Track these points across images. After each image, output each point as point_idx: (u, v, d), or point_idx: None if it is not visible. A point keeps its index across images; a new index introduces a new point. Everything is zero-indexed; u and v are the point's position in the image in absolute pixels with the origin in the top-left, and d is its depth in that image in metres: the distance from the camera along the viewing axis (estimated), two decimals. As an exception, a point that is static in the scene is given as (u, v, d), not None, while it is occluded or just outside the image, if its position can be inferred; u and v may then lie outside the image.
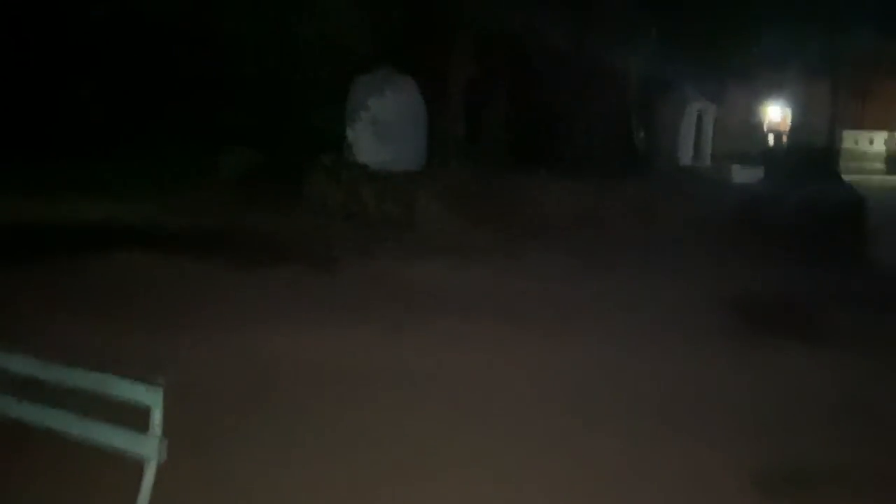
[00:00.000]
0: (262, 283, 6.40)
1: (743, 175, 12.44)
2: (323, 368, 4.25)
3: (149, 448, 2.34)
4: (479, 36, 10.48)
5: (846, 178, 14.96)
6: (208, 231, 8.56)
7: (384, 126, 10.72)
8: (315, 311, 5.57)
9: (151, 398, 2.33)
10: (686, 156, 12.59)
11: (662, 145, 12.45)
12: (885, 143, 17.76)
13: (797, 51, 15.94)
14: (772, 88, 19.82)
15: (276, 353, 4.48)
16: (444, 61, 10.52)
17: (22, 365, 2.66)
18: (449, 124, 10.92)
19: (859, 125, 18.75)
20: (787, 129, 19.57)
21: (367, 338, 4.86)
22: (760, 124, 20.37)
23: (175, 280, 6.25)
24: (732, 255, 8.30)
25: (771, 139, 18.77)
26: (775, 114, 21.60)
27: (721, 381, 4.37)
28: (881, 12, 13.75)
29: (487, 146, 10.95)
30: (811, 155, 16.57)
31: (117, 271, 6.41)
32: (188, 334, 4.66)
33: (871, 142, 17.90)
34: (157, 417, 2.31)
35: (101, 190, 9.94)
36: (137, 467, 2.39)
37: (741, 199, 10.52)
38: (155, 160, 10.56)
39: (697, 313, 5.96)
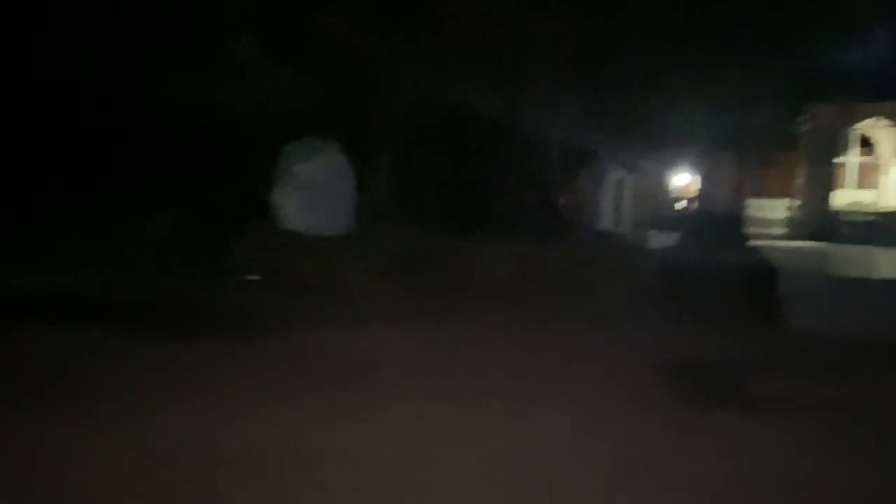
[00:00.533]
0: (182, 358, 6.03)
1: (660, 240, 12.93)
2: (250, 456, 3.97)
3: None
4: (411, 103, 10.65)
5: (754, 243, 15.88)
6: (127, 300, 8.09)
7: (312, 191, 10.64)
8: (242, 390, 5.25)
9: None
10: (607, 222, 13.05)
11: (585, 212, 12.88)
12: (787, 210, 18.91)
13: (705, 123, 17.00)
14: (681, 158, 21.09)
15: (197, 440, 4.16)
16: (374, 127, 10.60)
17: None
18: (378, 189, 10.93)
19: (762, 194, 19.97)
20: (694, 196, 20.76)
21: (298, 424, 4.59)
22: (672, 192, 21.52)
23: (80, 357, 5.81)
24: (659, 321, 8.50)
25: (680, 206, 19.80)
26: (684, 182, 22.93)
27: (670, 455, 4.35)
28: (780, 90, 14.82)
29: (418, 210, 10.98)
30: (720, 221, 17.55)
31: (17, 349, 5.91)
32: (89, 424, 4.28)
33: (773, 209, 19.01)
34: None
35: (11, 257, 9.29)
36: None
37: (660, 265, 10.89)
38: (79, 225, 10.00)
39: (632, 384, 5.98)
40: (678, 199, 20.48)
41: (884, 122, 17.67)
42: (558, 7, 10.77)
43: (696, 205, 19.40)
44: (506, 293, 9.39)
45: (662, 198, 20.16)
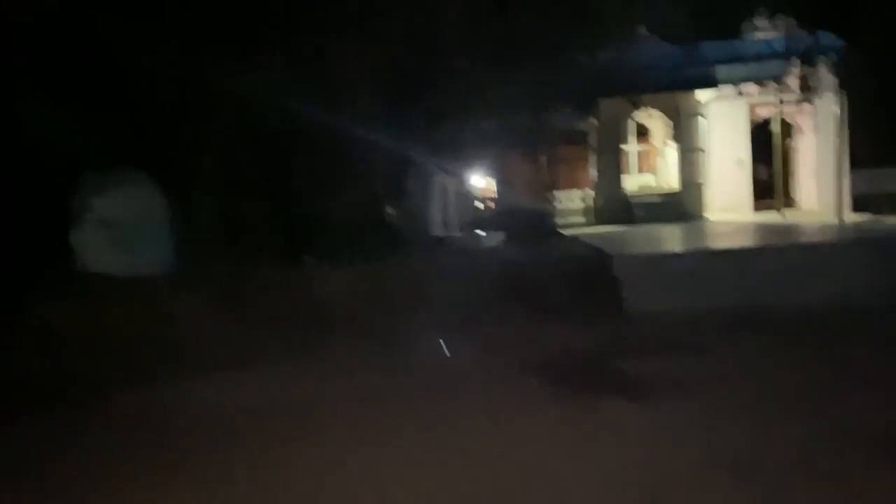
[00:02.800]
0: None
1: (490, 241, 13.27)
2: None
3: None
4: (227, 125, 9.82)
5: (564, 233, 16.98)
6: None
7: (118, 229, 9.42)
8: (80, 467, 4.42)
9: None
10: (438, 228, 13.13)
11: (416, 220, 12.83)
12: (583, 200, 20.43)
13: (504, 124, 17.87)
14: (484, 159, 22.03)
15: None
16: (187, 151, 9.61)
17: None
18: (199, 222, 9.94)
19: (561, 186, 21.44)
20: (500, 195, 21.78)
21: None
22: (479, 193, 22.40)
23: None
24: (512, 320, 8.66)
25: (488, 206, 20.65)
26: (486, 182, 24.00)
27: (569, 446, 4.33)
28: (568, 89, 15.90)
29: (245, 242, 10.16)
30: (532, 217, 18.55)
31: None
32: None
33: (571, 200, 20.47)
34: None
35: None
36: None
37: (499, 264, 11.15)
38: None
39: (511, 382, 5.98)
40: (485, 200, 21.33)
41: (655, 112, 19.78)
42: (368, 17, 10.60)
43: (502, 204, 20.30)
44: (353, 316, 9.00)
45: (475, 200, 20.87)
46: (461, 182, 18.80)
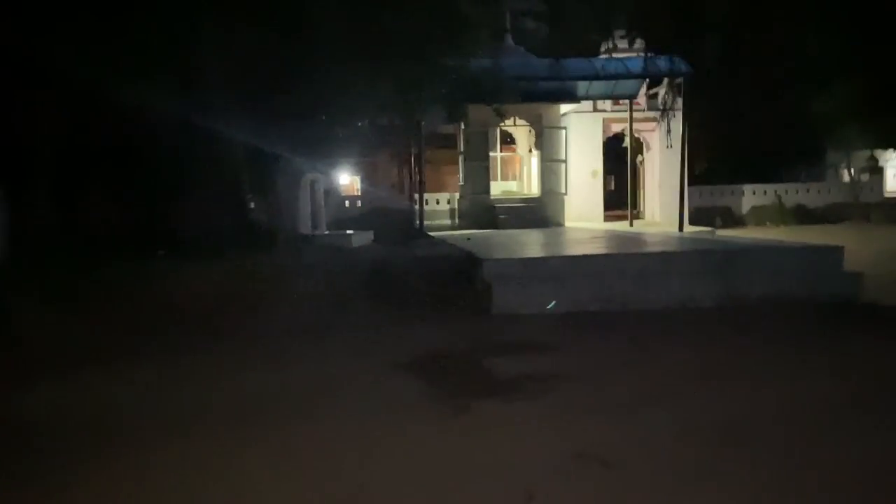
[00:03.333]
0: None
1: (359, 240, 13.12)
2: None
3: None
4: (68, 105, 8.94)
5: (431, 235, 17.19)
6: None
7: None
8: None
9: None
10: (306, 226, 12.78)
11: (283, 217, 12.42)
12: (448, 202, 20.80)
13: (374, 125, 17.79)
14: (356, 159, 21.83)
15: None
16: (25, 143, 8.63)
17: None
18: (34, 212, 8.98)
19: (428, 189, 21.71)
20: (367, 194, 21.72)
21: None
22: (345, 192, 22.18)
23: None
24: (382, 319, 8.60)
25: (355, 204, 20.50)
26: (351, 181, 23.84)
27: (445, 447, 4.34)
28: (438, 95, 16.08)
29: (92, 240, 9.33)
30: (402, 216, 18.64)
31: None
32: None
33: (438, 202, 20.77)
34: None
35: None
36: None
37: (370, 263, 11.06)
38: None
39: (380, 388, 5.91)
40: (350, 199, 21.16)
41: (520, 121, 20.55)
42: (231, 13, 10.11)
43: (370, 203, 20.22)
44: (212, 316, 8.53)
45: (343, 198, 20.61)
46: (329, 180, 18.49)
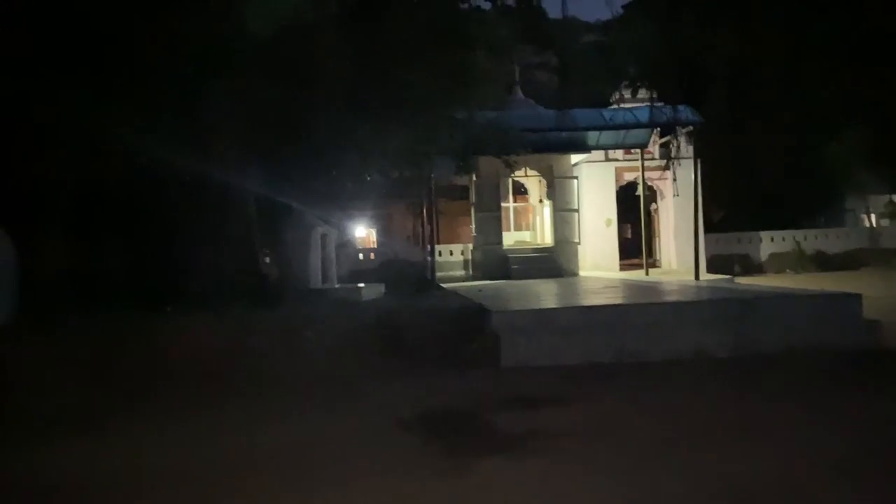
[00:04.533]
0: None
1: (370, 293, 13.07)
2: None
3: None
4: (78, 159, 9.12)
5: (443, 286, 17.11)
6: None
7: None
8: None
9: None
10: (316, 279, 12.79)
11: (293, 271, 12.45)
12: (462, 253, 20.78)
13: (385, 179, 17.98)
14: (363, 211, 22.02)
15: None
16: (34, 189, 8.80)
17: None
18: (46, 267, 9.08)
19: (441, 240, 21.77)
20: (379, 247, 21.81)
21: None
22: (358, 245, 22.30)
23: None
24: (390, 375, 8.47)
25: (368, 257, 20.57)
26: (365, 234, 23.97)
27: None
28: (448, 147, 16.24)
29: (102, 290, 9.39)
30: (411, 269, 18.62)
31: None
32: None
33: (451, 253, 20.76)
34: None
35: None
36: None
37: (379, 317, 10.97)
38: None
39: (385, 445, 5.77)
40: (364, 251, 21.23)
41: (532, 171, 20.66)
42: (246, 70, 10.37)
43: (383, 255, 20.27)
44: (222, 371, 8.47)
45: (355, 250, 20.70)
46: (342, 233, 18.61)
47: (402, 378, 8.33)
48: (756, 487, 4.40)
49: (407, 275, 17.78)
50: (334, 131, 12.19)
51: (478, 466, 5.01)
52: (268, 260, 12.06)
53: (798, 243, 24.05)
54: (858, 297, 9.78)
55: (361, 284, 13.82)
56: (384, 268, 18.93)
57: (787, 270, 22.98)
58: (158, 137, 9.14)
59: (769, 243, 24.27)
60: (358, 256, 20.03)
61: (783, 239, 24.28)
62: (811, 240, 24.50)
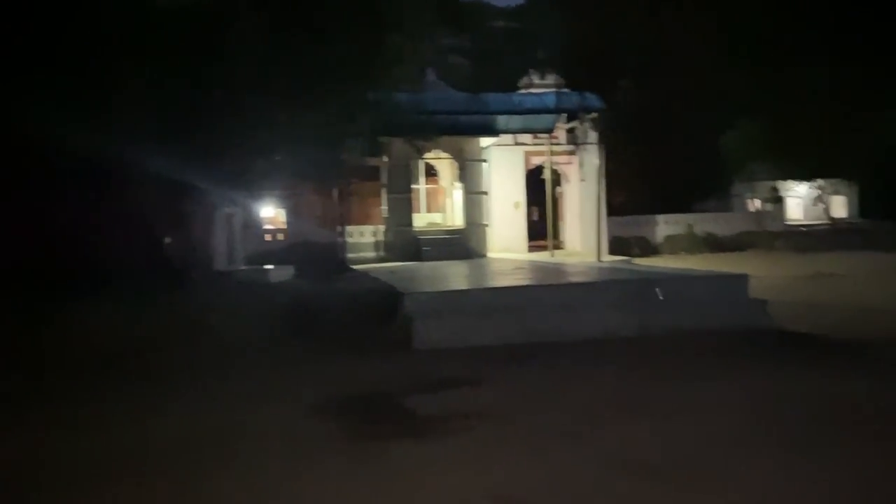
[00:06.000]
0: None
1: (278, 275, 12.80)
2: None
3: None
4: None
5: (354, 268, 16.99)
6: None
7: None
8: None
9: None
10: (221, 261, 12.37)
11: (197, 253, 11.98)
12: (374, 234, 20.64)
13: (295, 158, 17.54)
14: (272, 191, 21.42)
15: None
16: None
17: None
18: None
19: (352, 221, 21.52)
20: (288, 227, 21.32)
21: None
22: (265, 225, 21.73)
23: None
24: (302, 359, 8.37)
25: (276, 238, 20.09)
26: (273, 214, 23.38)
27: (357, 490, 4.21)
28: (360, 128, 16.05)
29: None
30: (322, 250, 18.35)
31: None
32: None
33: (363, 234, 20.60)
34: None
35: None
36: None
37: (289, 299, 10.79)
38: None
39: (298, 427, 5.72)
40: (272, 232, 20.72)
41: (443, 154, 20.73)
42: (145, 41, 9.79)
43: (292, 237, 19.86)
44: (119, 362, 8.08)
45: (262, 231, 20.15)
46: (249, 213, 18.04)
47: (312, 363, 8.24)
48: (657, 461, 4.68)
49: (317, 256, 17.50)
50: (242, 110, 11.77)
51: (392, 450, 5.06)
52: (169, 241, 11.53)
53: (691, 226, 25.44)
54: (746, 277, 10.50)
55: (269, 266, 13.50)
56: (293, 249, 18.53)
57: (681, 252, 24.28)
58: (53, 116, 8.53)
59: (665, 226, 25.55)
60: (265, 237, 19.52)
61: (677, 222, 25.61)
62: (702, 223, 25.99)
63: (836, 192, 37.88)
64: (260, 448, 5.26)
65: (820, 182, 32.88)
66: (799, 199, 38.70)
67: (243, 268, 13.53)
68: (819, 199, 34.37)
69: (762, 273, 14.32)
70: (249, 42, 10.79)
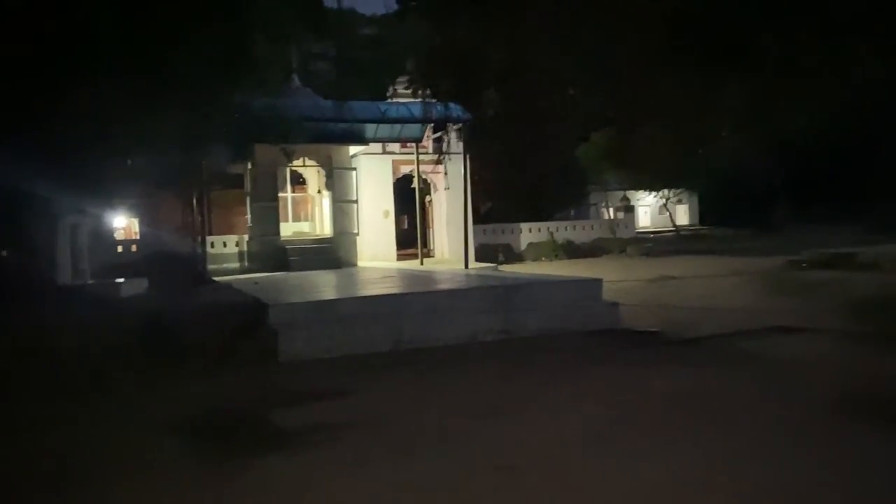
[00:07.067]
0: None
1: (130, 288, 12.00)
2: None
3: None
4: None
5: (215, 280, 16.29)
6: None
7: None
8: None
9: None
10: (65, 274, 11.38)
11: (36, 266, 10.95)
12: (237, 245, 19.89)
13: (151, 165, 16.58)
14: (127, 200, 20.10)
15: None
16: None
17: None
18: None
19: (214, 231, 20.63)
20: (144, 238, 20.09)
21: None
22: (118, 235, 20.34)
23: None
24: (159, 377, 7.89)
25: (130, 249, 18.90)
26: (127, 224, 21.97)
27: None
28: (223, 134, 15.45)
29: None
30: (180, 261, 17.43)
31: None
32: None
33: (225, 245, 19.80)
34: None
35: None
36: None
37: (140, 314, 10.14)
38: None
39: (150, 447, 5.39)
40: (126, 242, 19.45)
41: (310, 162, 20.38)
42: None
43: (148, 247, 18.73)
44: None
45: (113, 242, 18.83)
46: (98, 222, 16.80)
47: (168, 380, 7.79)
48: (521, 460, 4.84)
49: (175, 268, 16.61)
50: (91, 111, 10.94)
51: (254, 466, 4.88)
52: (4, 253, 10.47)
53: (552, 234, 26.69)
54: (600, 281, 11.16)
55: (120, 280, 12.62)
56: (149, 261, 17.46)
57: (543, 258, 25.40)
58: None
59: (528, 234, 26.63)
60: (117, 248, 18.24)
61: (539, 230, 26.79)
62: (562, 231, 27.35)
63: (680, 202, 41.25)
64: (110, 471, 4.90)
65: (665, 192, 35.68)
66: (647, 208, 41.75)
67: (90, 282, 12.54)
68: (665, 207, 37.27)
69: (615, 277, 15.30)
70: (95, 26, 10.06)
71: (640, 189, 37.11)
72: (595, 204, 38.99)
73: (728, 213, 35.16)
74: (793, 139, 21.33)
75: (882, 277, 14.67)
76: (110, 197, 17.46)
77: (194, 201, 18.30)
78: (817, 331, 9.24)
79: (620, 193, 36.69)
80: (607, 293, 11.07)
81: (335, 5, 21.97)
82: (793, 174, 30.67)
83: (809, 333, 9.15)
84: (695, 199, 42.92)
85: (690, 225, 40.64)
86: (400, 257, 20.97)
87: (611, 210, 37.42)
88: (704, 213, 41.77)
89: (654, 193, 36.58)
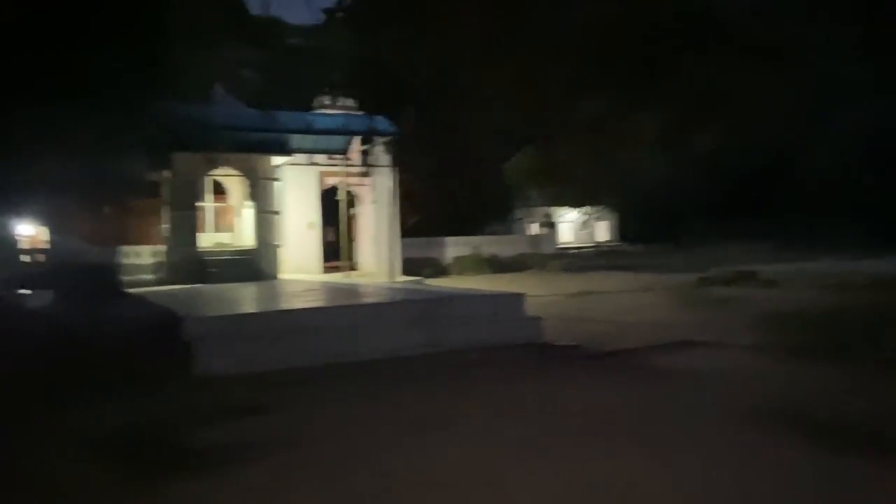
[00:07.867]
0: None
1: (37, 300, 11.36)
2: None
3: None
4: None
5: (130, 291, 15.63)
6: None
7: None
8: None
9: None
10: (-39, 286, 10.66)
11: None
12: (153, 255, 19.15)
13: (61, 172, 15.82)
14: (33, 207, 19.05)
15: None
16: None
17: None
18: None
19: (128, 241, 19.79)
20: (50, 248, 19.07)
21: None
22: (23, 245, 19.24)
23: None
24: (65, 397, 7.48)
25: (35, 259, 17.93)
26: (33, 233, 20.82)
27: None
28: (139, 140, 14.93)
29: None
30: (95, 272, 16.64)
31: None
32: None
33: (140, 255, 19.03)
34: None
35: None
36: None
37: (44, 329, 9.61)
38: None
39: (57, 471, 5.11)
40: (31, 252, 18.43)
41: (232, 171, 19.89)
42: None
43: (56, 257, 17.78)
44: None
45: (16, 251, 17.78)
46: (3, 230, 15.83)
47: (75, 398, 7.40)
48: (446, 475, 4.85)
49: (86, 280, 15.83)
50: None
51: (166, 487, 4.70)
52: None
53: (477, 248, 27.01)
54: (523, 296, 11.35)
55: (24, 291, 11.92)
56: (57, 271, 16.56)
57: (468, 272, 25.64)
58: None
59: (454, 248, 26.86)
60: (22, 259, 17.23)
61: (465, 244, 27.07)
62: (487, 245, 27.75)
63: (601, 218, 42.56)
64: (17, 500, 4.60)
65: (587, 209, 36.82)
66: (569, 224, 42.88)
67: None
68: (586, 224, 38.43)
69: (537, 292, 15.59)
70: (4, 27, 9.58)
71: (563, 206, 38.15)
72: (520, 219, 39.72)
73: (646, 230, 36.47)
74: (711, 157, 22.39)
75: (779, 294, 15.59)
76: (15, 204, 16.53)
77: (107, 210, 17.54)
78: (724, 345, 9.70)
79: (544, 209, 37.59)
80: (529, 307, 11.26)
81: (260, 13, 21.66)
82: (711, 191, 32.05)
83: (717, 347, 9.60)
84: (615, 216, 44.37)
85: (610, 241, 41.97)
86: (325, 270, 20.69)
87: (535, 225, 38.20)
88: (624, 231, 43.20)
89: (576, 210, 37.71)
